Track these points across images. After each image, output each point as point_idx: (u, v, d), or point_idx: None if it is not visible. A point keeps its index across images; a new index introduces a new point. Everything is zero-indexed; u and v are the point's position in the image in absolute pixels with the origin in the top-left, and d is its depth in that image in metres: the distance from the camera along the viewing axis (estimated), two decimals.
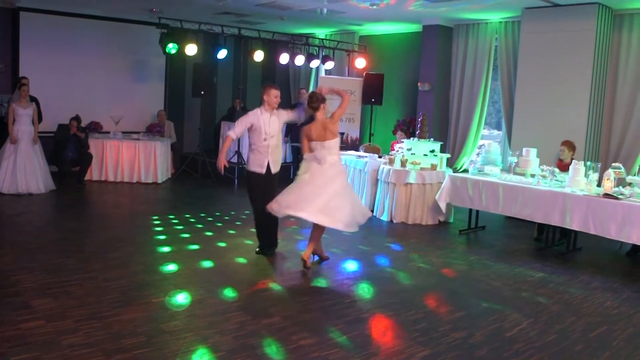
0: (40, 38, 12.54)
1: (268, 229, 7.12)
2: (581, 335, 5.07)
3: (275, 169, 7.01)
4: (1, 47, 12.36)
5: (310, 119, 6.80)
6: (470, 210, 8.90)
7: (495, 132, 13.31)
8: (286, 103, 15.51)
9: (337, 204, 6.42)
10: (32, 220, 8.59)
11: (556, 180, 7.86)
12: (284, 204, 6.43)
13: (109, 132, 12.46)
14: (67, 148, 11.51)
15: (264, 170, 6.89)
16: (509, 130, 10.80)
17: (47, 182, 10.54)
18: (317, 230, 6.74)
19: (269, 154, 6.91)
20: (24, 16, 12.39)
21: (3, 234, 7.75)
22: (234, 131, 6.82)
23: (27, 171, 10.19)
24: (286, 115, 7.22)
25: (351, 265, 6.97)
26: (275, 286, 6.06)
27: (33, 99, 10.67)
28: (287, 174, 13.21)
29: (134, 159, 12.04)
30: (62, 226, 8.35)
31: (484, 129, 12.16)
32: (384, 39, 13.85)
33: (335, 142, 6.58)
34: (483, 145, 11.16)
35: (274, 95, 6.92)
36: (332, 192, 6.42)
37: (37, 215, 9.04)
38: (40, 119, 10.66)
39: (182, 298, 5.55)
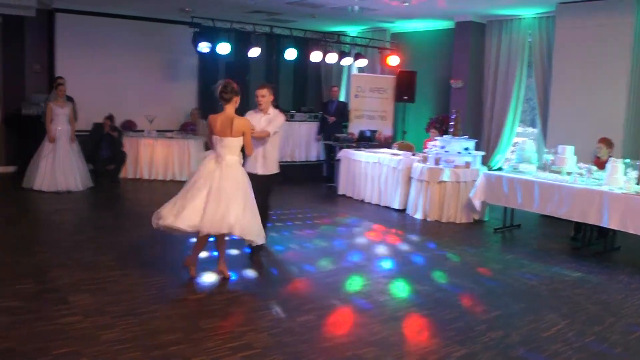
0: (75, 39, 12.70)
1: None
2: (620, 338, 4.98)
3: (263, 170, 6.75)
4: (38, 48, 12.57)
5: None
6: (505, 208, 8.80)
7: (530, 129, 13.15)
8: (317, 101, 15.57)
9: (229, 207, 5.69)
10: (68, 218, 8.74)
11: (593, 178, 7.73)
12: (158, 215, 5.74)
13: (143, 131, 12.60)
14: (101, 147, 11.69)
15: (252, 170, 6.59)
16: (544, 128, 10.66)
17: (84, 179, 10.72)
18: (202, 240, 5.99)
19: (258, 155, 6.70)
20: (60, 17, 12.58)
21: (41, 232, 7.90)
22: None
23: (65, 169, 10.36)
24: (276, 123, 6.71)
25: (385, 264, 6.94)
26: (309, 283, 6.07)
27: (69, 99, 10.83)
28: (319, 172, 13.24)
29: (167, 157, 12.17)
30: (98, 224, 8.47)
31: (518, 126, 12.01)
32: (416, 36, 13.77)
33: (237, 141, 5.92)
34: (518, 142, 11.04)
35: (259, 95, 6.70)
36: (224, 195, 5.70)
37: (74, 213, 9.18)
38: (76, 118, 10.82)
39: (217, 295, 5.59)
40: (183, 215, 5.59)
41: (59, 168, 10.31)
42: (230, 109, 6.00)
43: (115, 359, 4.13)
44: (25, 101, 12.29)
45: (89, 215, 9.35)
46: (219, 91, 5.98)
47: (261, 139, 6.62)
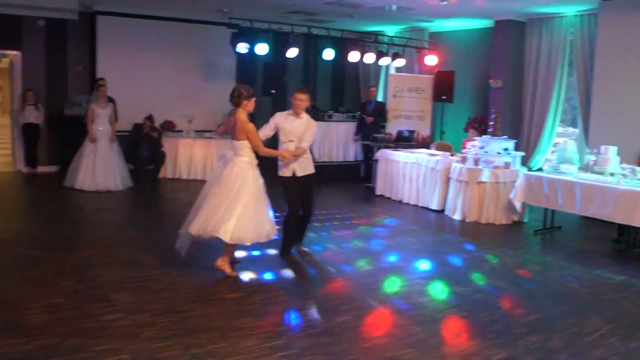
0: (116, 40, 12.91)
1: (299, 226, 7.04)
2: None
3: (301, 172, 6.74)
4: (80, 51, 12.81)
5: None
6: (546, 209, 8.67)
7: (571, 129, 12.94)
8: (355, 101, 15.55)
9: (227, 210, 5.88)
10: (109, 217, 8.88)
11: (637, 179, 7.57)
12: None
13: (182, 131, 12.74)
14: (141, 147, 11.85)
15: (289, 174, 6.73)
16: (586, 128, 10.47)
17: (124, 179, 10.89)
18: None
19: (292, 159, 6.69)
20: (101, 20, 12.78)
21: (83, 230, 8.05)
22: (261, 131, 6.68)
23: (105, 169, 10.54)
24: (311, 130, 6.72)
25: (424, 265, 6.90)
26: (347, 284, 6.06)
27: (110, 100, 11.01)
28: (357, 172, 13.22)
29: (206, 157, 12.29)
30: (138, 223, 8.60)
31: (558, 126, 11.82)
32: (455, 36, 13.65)
33: (240, 144, 6.06)
34: (558, 143, 10.87)
35: (298, 99, 6.64)
36: (227, 196, 5.91)
37: (114, 212, 9.33)
38: (116, 118, 11.00)
39: (256, 294, 5.62)
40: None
41: (100, 168, 10.49)
42: (239, 112, 6.14)
43: (155, 357, 4.18)
44: (67, 102, 12.54)
45: (129, 215, 9.49)
46: (230, 95, 6.18)
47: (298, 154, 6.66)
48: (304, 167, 6.77)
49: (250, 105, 6.14)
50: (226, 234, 5.82)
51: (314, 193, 6.97)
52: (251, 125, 6.06)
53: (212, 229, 5.84)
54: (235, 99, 6.10)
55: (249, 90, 6.15)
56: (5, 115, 26.79)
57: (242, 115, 6.10)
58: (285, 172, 6.74)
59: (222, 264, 6.10)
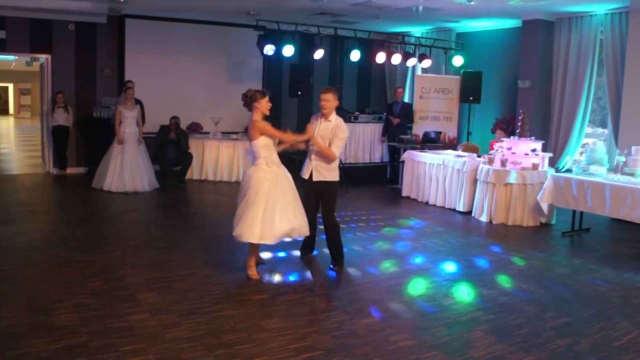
0: (144, 43, 13.05)
1: (328, 241, 6.69)
2: None
3: (318, 176, 6.42)
4: (109, 53, 12.97)
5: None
6: (574, 211, 8.56)
7: (600, 130, 12.75)
8: (382, 102, 15.52)
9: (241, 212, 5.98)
10: (136, 218, 8.98)
11: None
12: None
13: (208, 133, 12.83)
14: (168, 148, 11.95)
15: (306, 176, 6.48)
16: (616, 128, 10.32)
17: (151, 180, 11.00)
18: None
19: (311, 160, 6.45)
20: (129, 23, 12.92)
21: (111, 231, 8.14)
22: None
23: (133, 171, 10.66)
24: (341, 137, 6.39)
25: (450, 267, 6.85)
26: (372, 286, 6.05)
27: (137, 102, 11.13)
28: (383, 173, 13.19)
29: (233, 159, 12.35)
30: (165, 224, 8.68)
31: (587, 126, 11.66)
32: (482, 36, 13.55)
33: (258, 143, 6.00)
34: (587, 143, 10.73)
35: (323, 99, 6.37)
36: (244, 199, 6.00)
37: (141, 213, 9.43)
38: (143, 120, 11.12)
39: (281, 296, 5.63)
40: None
41: (127, 169, 10.61)
42: (253, 114, 6.11)
43: (180, 357, 4.21)
44: (96, 105, 12.71)
45: (156, 216, 9.58)
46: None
47: (323, 154, 6.37)
48: (321, 172, 6.43)
49: (261, 106, 6.06)
50: (236, 231, 5.94)
51: (330, 202, 6.52)
52: (264, 122, 6.04)
53: (234, 230, 5.96)
54: (246, 104, 6.13)
55: (257, 91, 6.14)
56: (36, 118, 27.29)
57: (256, 116, 6.08)
58: (303, 174, 6.52)
59: (248, 264, 6.14)
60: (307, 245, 6.87)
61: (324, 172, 6.43)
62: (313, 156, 6.45)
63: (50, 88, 12.55)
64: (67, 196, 10.50)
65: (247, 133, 6.07)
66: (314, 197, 6.53)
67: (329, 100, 6.35)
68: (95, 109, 12.63)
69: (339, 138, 6.36)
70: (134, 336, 4.54)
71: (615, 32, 10.56)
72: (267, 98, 6.10)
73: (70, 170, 12.52)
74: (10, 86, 35.68)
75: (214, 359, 4.21)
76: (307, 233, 6.24)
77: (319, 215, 6.71)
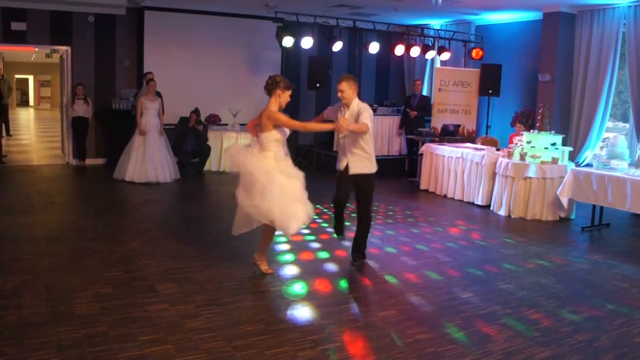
0: (162, 35, 13.09)
1: (360, 235, 6.54)
2: None
3: (354, 169, 6.21)
4: (128, 45, 13.02)
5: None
6: (594, 206, 8.48)
7: (621, 124, 12.62)
8: (400, 95, 15.46)
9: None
10: (155, 209, 9.03)
11: None
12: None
13: (227, 125, 12.85)
14: (186, 140, 12.01)
15: (341, 167, 6.30)
16: (637, 122, 10.20)
17: (172, 171, 11.09)
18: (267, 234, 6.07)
19: (345, 152, 6.26)
20: (148, 15, 12.96)
21: (129, 221, 8.19)
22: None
23: (155, 161, 10.75)
24: (362, 112, 6.09)
25: (468, 261, 6.81)
26: (390, 279, 6.04)
27: (158, 94, 11.18)
28: (401, 166, 13.16)
29: None
30: (183, 215, 8.72)
31: (608, 120, 11.54)
32: (502, 28, 13.44)
33: (269, 136, 5.77)
34: (608, 138, 10.63)
35: (339, 90, 6.19)
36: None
37: (160, 204, 9.48)
38: (163, 112, 11.17)
39: (298, 288, 5.64)
40: None
41: (150, 160, 10.69)
42: (271, 102, 5.85)
43: (199, 347, 4.24)
44: (115, 96, 12.77)
45: (176, 207, 9.63)
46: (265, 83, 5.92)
47: (357, 133, 6.06)
48: (358, 164, 6.22)
49: (283, 97, 5.83)
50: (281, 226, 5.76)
51: (369, 195, 6.40)
52: (280, 114, 5.78)
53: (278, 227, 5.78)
54: (269, 86, 5.83)
55: (285, 80, 5.85)
56: (55, 110, 27.49)
57: (272, 105, 5.82)
58: (339, 165, 6.34)
59: (260, 259, 6.06)
60: (340, 230, 6.71)
61: (360, 164, 6.23)
62: (347, 152, 6.23)
63: (70, 80, 12.63)
64: (86, 187, 10.58)
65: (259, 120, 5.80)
66: (350, 188, 6.32)
67: (344, 90, 6.15)
68: (114, 100, 12.71)
69: (365, 113, 6.05)
70: (153, 326, 4.57)
71: (638, 25, 10.41)
72: (290, 92, 5.89)
73: (89, 162, 12.60)
74: (31, 78, 35.97)
75: (233, 350, 4.22)
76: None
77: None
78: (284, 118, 5.78)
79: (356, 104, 6.19)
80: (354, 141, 6.17)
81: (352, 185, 6.32)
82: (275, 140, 5.79)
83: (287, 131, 5.94)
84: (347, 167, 6.25)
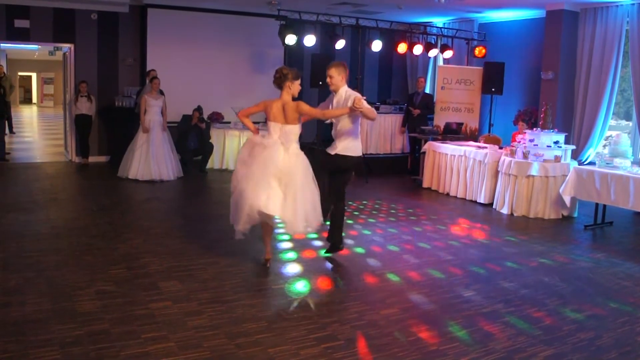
0: (165, 33, 13.09)
1: (331, 221, 6.56)
2: None
3: (344, 152, 6.22)
4: (131, 42, 13.04)
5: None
6: (597, 204, 8.47)
7: (624, 122, 12.60)
8: (403, 93, 15.44)
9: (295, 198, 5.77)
10: (158, 206, 9.04)
11: None
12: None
13: (229, 123, 12.85)
14: (189, 138, 12.01)
15: (332, 152, 6.29)
16: None
17: (175, 169, 11.11)
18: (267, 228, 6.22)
19: (336, 137, 6.30)
20: (151, 13, 12.96)
21: (132, 219, 8.19)
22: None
23: (159, 159, 10.78)
24: (355, 98, 5.96)
25: (470, 259, 6.81)
26: (392, 277, 6.04)
27: (161, 92, 11.19)
28: (404, 165, 13.15)
29: None
30: (186, 213, 8.72)
31: (611, 119, 11.51)
32: (505, 26, 13.42)
33: (294, 129, 5.86)
34: (611, 136, 10.60)
35: (327, 75, 6.26)
36: (296, 184, 5.77)
37: (163, 201, 9.48)
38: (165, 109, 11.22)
39: (301, 286, 5.65)
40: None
41: (154, 158, 10.71)
42: (284, 95, 5.89)
43: (201, 345, 4.24)
44: (118, 94, 12.79)
45: (178, 204, 9.64)
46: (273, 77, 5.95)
47: (353, 117, 6.10)
48: (349, 147, 6.24)
49: (293, 87, 5.87)
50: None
51: (348, 177, 6.47)
52: (302, 102, 5.82)
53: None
54: (278, 80, 5.88)
55: (292, 71, 5.90)
56: (59, 107, 27.52)
57: (286, 97, 5.87)
58: (330, 149, 6.35)
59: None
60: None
61: (352, 146, 6.25)
62: (341, 136, 6.25)
63: (73, 77, 12.65)
64: (89, 184, 10.59)
65: (273, 114, 5.79)
66: (330, 171, 6.36)
67: (333, 76, 6.21)
68: (117, 98, 12.72)
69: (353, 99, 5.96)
70: (156, 324, 4.57)
71: None
72: (299, 80, 5.93)
73: (92, 159, 12.62)
74: (34, 75, 36.03)
75: (235, 347, 4.23)
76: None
77: None
78: (307, 107, 5.87)
79: (344, 91, 6.24)
80: (348, 126, 6.21)
81: (330, 168, 6.37)
82: (296, 134, 5.89)
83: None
84: (336, 150, 6.28)
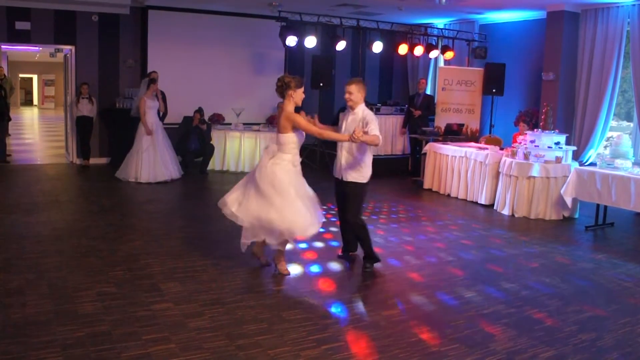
0: (166, 34, 13.09)
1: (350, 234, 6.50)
2: None
3: (346, 176, 6.14)
4: (132, 44, 13.03)
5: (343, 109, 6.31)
6: (598, 205, 8.47)
7: (625, 123, 12.60)
8: (403, 94, 15.45)
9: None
10: (158, 208, 9.03)
11: None
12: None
13: (230, 124, 12.86)
14: (190, 139, 12.02)
15: (336, 175, 6.28)
16: None
17: (177, 165, 11.20)
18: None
19: (341, 157, 6.16)
20: (152, 14, 12.96)
21: (133, 221, 8.19)
22: None
23: (165, 160, 10.82)
24: (369, 122, 5.95)
25: (472, 260, 6.81)
26: (394, 278, 6.04)
27: (160, 93, 11.23)
28: (405, 166, 13.15)
29: (254, 150, 12.39)
30: (187, 214, 8.72)
31: (612, 120, 11.51)
32: (506, 27, 13.42)
33: (288, 138, 5.71)
34: (612, 137, 10.60)
35: (346, 91, 6.07)
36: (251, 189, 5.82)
37: (164, 202, 9.48)
38: (166, 111, 11.23)
39: (300, 287, 5.64)
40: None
41: (160, 159, 10.77)
42: (285, 103, 5.78)
43: (202, 346, 4.24)
44: (119, 95, 12.79)
45: (178, 206, 9.63)
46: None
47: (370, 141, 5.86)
48: (350, 172, 6.13)
49: (296, 96, 5.74)
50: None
51: (351, 204, 6.19)
52: (298, 115, 5.69)
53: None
54: (279, 89, 5.75)
55: (295, 79, 5.77)
56: (59, 109, 27.53)
57: (288, 106, 5.76)
58: (335, 173, 6.29)
59: (278, 260, 6.06)
60: (346, 241, 6.67)
61: (352, 172, 6.12)
62: (344, 157, 6.15)
63: (73, 79, 12.65)
64: (90, 186, 10.59)
65: (271, 123, 5.88)
66: (338, 194, 6.34)
67: (352, 93, 6.04)
68: (118, 99, 12.73)
69: (372, 123, 5.94)
70: (157, 325, 4.57)
71: None
72: (302, 88, 5.82)
73: (93, 161, 12.62)
74: (35, 77, 36.05)
75: (236, 349, 4.23)
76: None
77: None
78: (302, 122, 5.72)
79: (361, 110, 6.09)
80: (352, 147, 6.09)
81: (339, 191, 6.34)
82: (293, 143, 5.74)
83: (304, 135, 5.87)
84: (341, 175, 6.20)
